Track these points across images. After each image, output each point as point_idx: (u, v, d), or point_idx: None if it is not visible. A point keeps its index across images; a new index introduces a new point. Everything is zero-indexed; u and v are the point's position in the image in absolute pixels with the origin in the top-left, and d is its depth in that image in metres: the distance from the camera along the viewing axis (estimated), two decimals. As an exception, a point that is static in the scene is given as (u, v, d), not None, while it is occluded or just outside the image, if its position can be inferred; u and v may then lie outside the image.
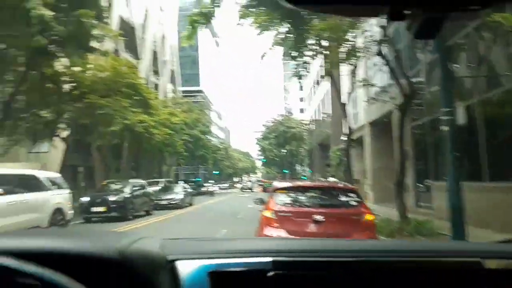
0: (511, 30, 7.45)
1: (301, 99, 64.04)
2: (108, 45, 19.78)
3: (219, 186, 52.00)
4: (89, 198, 15.07)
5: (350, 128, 16.68)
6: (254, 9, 10.56)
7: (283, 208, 5.89)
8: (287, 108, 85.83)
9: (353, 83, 16.30)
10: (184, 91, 53.88)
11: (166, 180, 28.77)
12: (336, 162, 26.16)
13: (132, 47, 34.12)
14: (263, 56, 11.89)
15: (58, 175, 11.70)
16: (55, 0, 11.68)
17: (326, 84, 31.18)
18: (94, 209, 14.62)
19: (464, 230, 6.75)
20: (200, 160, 47.67)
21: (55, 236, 1.08)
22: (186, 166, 49.88)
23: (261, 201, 7.44)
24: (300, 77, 12.83)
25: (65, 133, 19.09)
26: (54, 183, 10.59)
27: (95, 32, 13.65)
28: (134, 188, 16.38)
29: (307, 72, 12.80)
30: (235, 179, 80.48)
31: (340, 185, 7.79)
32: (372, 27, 12.04)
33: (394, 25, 11.28)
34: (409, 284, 1.08)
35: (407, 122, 11.61)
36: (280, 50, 12.92)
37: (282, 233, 5.51)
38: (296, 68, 12.38)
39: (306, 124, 51.86)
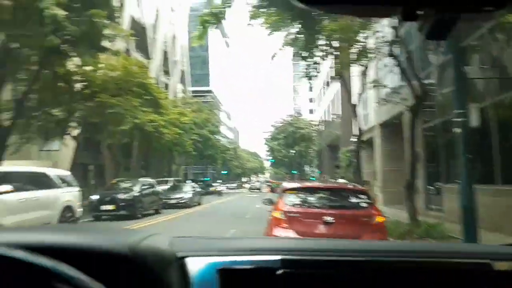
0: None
1: (311, 100, 63.85)
2: (119, 44, 19.95)
3: (227, 186, 52.07)
4: (99, 196, 15.19)
5: (360, 129, 16.57)
6: (265, 10, 10.54)
7: (293, 209, 5.86)
8: (296, 108, 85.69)
9: (364, 84, 16.20)
10: (194, 91, 54.09)
11: (175, 179, 28.90)
12: (345, 163, 26.03)
13: (143, 47, 34.33)
14: (273, 56, 11.87)
15: (68, 173, 11.80)
16: (68, 0, 11.79)
17: (336, 85, 31.07)
18: (104, 207, 14.72)
19: (476, 234, 6.67)
20: (209, 159, 47.78)
21: (66, 231, 1.09)
22: (195, 166, 50.05)
23: (270, 202, 7.42)
24: (310, 78, 12.77)
25: (76, 132, 19.27)
26: (64, 180, 10.66)
27: (106, 31, 13.75)
28: (143, 187, 16.48)
29: (318, 72, 12.74)
30: (244, 179, 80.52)
31: (351, 186, 7.72)
32: (384, 28, 11.96)
33: (405, 26, 11.18)
34: (417, 285, 1.08)
35: (418, 124, 11.50)
36: (290, 50, 12.91)
37: (291, 234, 5.48)
38: (306, 69, 12.33)
39: (315, 125, 51.69)
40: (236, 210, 20.08)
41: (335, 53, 12.03)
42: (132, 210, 14.82)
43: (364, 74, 15.66)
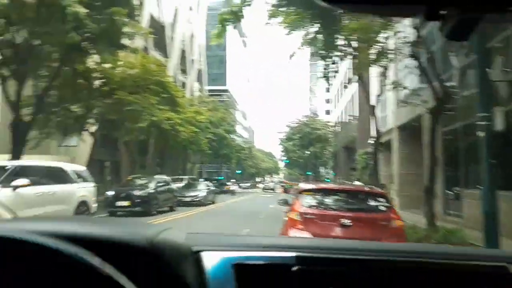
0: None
1: (327, 101, 63.42)
2: (138, 42, 20.13)
3: (240, 185, 52.13)
4: (114, 192, 15.34)
5: (378, 131, 16.33)
6: (284, 9, 10.46)
7: (309, 210, 5.78)
8: (312, 109, 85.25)
9: (383, 85, 15.94)
10: (210, 90, 54.37)
11: (189, 177, 29.03)
12: (362, 165, 25.72)
13: (161, 46, 34.63)
14: (291, 56, 11.79)
15: (83, 168, 11.92)
16: (89, -2, 11.96)
17: (353, 86, 30.76)
18: (119, 203, 14.86)
19: (498, 241, 6.48)
20: (223, 159, 47.92)
21: (85, 222, 1.10)
22: (209, 164, 50.25)
23: (286, 202, 7.35)
24: (328, 78, 12.64)
25: (93, 128, 19.53)
26: (79, 176, 10.74)
27: (126, 29, 13.89)
28: (158, 184, 16.59)
29: (336, 73, 12.60)
30: (257, 179, 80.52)
31: (368, 188, 7.59)
32: (405, 28, 11.75)
33: (428, 26, 10.96)
34: (431, 286, 1.07)
35: (438, 127, 11.26)
36: (307, 50, 12.81)
37: (307, 236, 5.41)
38: (324, 69, 12.21)
39: (331, 126, 51.30)
40: (250, 209, 20.07)
41: (354, 53, 11.87)
42: (147, 206, 14.93)
43: (383, 75, 15.39)
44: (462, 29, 0.70)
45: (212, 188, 24.97)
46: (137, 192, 15.16)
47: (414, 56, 10.80)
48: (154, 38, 25.29)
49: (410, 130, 17.89)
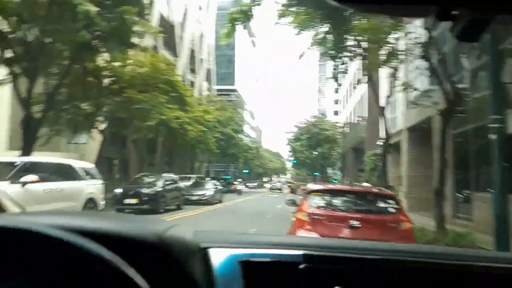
0: None
1: (336, 102, 63.16)
2: (147, 41, 20.22)
3: (247, 185, 52.11)
4: (122, 190, 15.42)
5: (388, 133, 16.20)
6: (294, 8, 10.42)
7: (317, 211, 5.75)
8: (320, 109, 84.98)
9: (393, 86, 15.81)
10: (218, 90, 54.46)
11: (197, 176, 29.10)
12: (370, 167, 25.57)
13: (171, 45, 34.76)
14: (301, 56, 11.73)
15: (92, 165, 11.99)
16: (100, -3, 12.03)
17: (363, 87, 30.59)
18: (127, 200, 14.92)
19: (509, 244, 6.38)
20: (231, 158, 47.96)
21: (95, 217, 1.11)
22: (217, 164, 50.31)
23: (293, 203, 7.33)
24: (337, 79, 12.57)
25: (102, 126, 19.66)
26: (88, 173, 10.81)
27: (136, 28, 13.95)
28: (166, 182, 16.64)
29: (346, 73, 12.52)
30: (264, 179, 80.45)
31: (378, 190, 7.52)
32: (416, 29, 11.64)
33: (439, 27, 10.84)
34: (438, 287, 1.07)
35: (449, 129, 11.14)
36: (316, 51, 12.73)
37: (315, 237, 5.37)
38: (334, 69, 12.14)
39: (340, 127, 51.06)
40: (257, 209, 20.06)
41: (364, 54, 11.79)
42: (154, 204, 14.99)
43: (393, 76, 15.26)
44: (473, 30, 0.69)
45: (220, 187, 25.00)
46: (145, 190, 15.22)
47: (425, 57, 10.69)
48: (163, 37, 25.40)
49: (419, 132, 17.74)
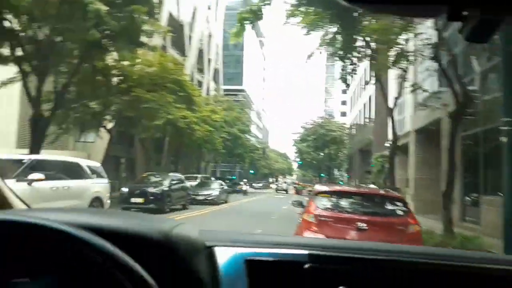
0: None
1: (343, 102, 62.93)
2: (156, 40, 20.30)
3: (253, 185, 52.07)
4: (128, 189, 15.47)
5: (396, 135, 16.09)
6: (303, 9, 10.37)
7: (324, 213, 5.71)
8: (327, 110, 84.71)
9: (402, 88, 15.68)
10: (226, 90, 54.49)
11: (203, 176, 29.14)
12: (377, 169, 25.43)
13: (179, 44, 34.84)
14: (310, 56, 11.68)
15: (98, 164, 12.01)
16: (110, -4, 12.08)
17: (370, 88, 30.43)
18: (133, 199, 14.94)
19: (519, 250, 6.29)
20: (237, 158, 47.95)
21: (101, 214, 1.11)
22: (222, 164, 50.32)
23: (300, 204, 7.29)
24: (345, 79, 12.50)
25: (110, 125, 19.76)
26: (94, 171, 10.82)
27: (145, 27, 13.99)
28: (172, 182, 16.65)
29: (355, 73, 12.44)
30: (270, 180, 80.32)
31: (385, 192, 7.45)
32: (427, 30, 11.53)
33: (450, 28, 10.74)
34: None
35: (458, 132, 11.03)
36: (324, 52, 12.67)
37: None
38: (342, 70, 12.08)
39: (347, 128, 50.84)
40: (262, 210, 20.04)
41: (373, 54, 11.71)
42: (160, 204, 15.01)
43: (403, 77, 15.14)
44: (483, 31, 0.68)
45: (225, 187, 25.01)
46: (151, 189, 15.25)
47: (435, 58, 10.59)
48: (172, 36, 25.43)
49: (427, 134, 17.61)
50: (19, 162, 8.67)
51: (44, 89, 13.74)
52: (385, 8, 0.72)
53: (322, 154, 54.35)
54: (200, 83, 40.13)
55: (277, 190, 54.30)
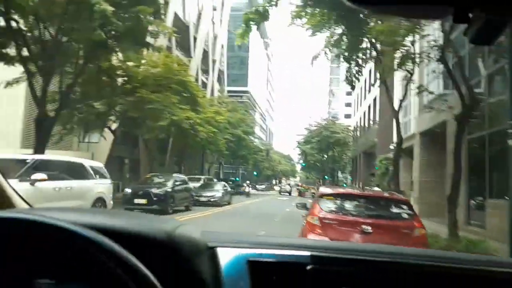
0: None
1: (348, 104, 62.77)
2: (161, 41, 20.34)
3: (256, 187, 52.00)
4: (131, 190, 15.47)
5: (401, 137, 16.00)
6: (309, 10, 10.33)
7: (329, 215, 5.67)
8: (331, 112, 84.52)
9: (407, 90, 15.60)
10: (230, 91, 54.55)
11: (206, 177, 29.14)
12: (381, 171, 25.31)
13: (184, 45, 34.90)
14: (316, 57, 11.63)
15: (101, 164, 12.01)
16: (116, -4, 12.10)
17: (375, 90, 30.34)
18: (136, 200, 14.93)
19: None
20: (241, 160, 47.93)
21: (104, 214, 1.11)
22: (225, 165, 50.31)
23: (304, 206, 7.27)
24: (351, 81, 12.44)
25: (114, 125, 19.79)
26: (97, 172, 10.82)
27: (151, 28, 14.00)
28: (176, 183, 16.65)
29: (360, 75, 12.38)
30: (274, 182, 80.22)
31: (390, 195, 7.40)
32: (434, 31, 11.46)
33: (456, 30, 10.68)
34: None
35: (464, 134, 10.95)
36: (328, 53, 12.61)
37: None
38: (347, 72, 12.03)
39: (351, 130, 50.67)
40: (265, 212, 19.99)
41: (378, 56, 11.65)
42: (163, 205, 15.00)
43: (408, 79, 15.06)
44: (487, 33, 0.68)
45: (229, 189, 24.98)
46: (154, 190, 15.24)
47: (441, 60, 10.51)
48: (177, 37, 25.47)
49: (432, 137, 17.51)
50: (23, 162, 8.68)
51: (49, 89, 13.78)
52: (389, 9, 0.72)
53: (326, 156, 54.20)
54: (204, 84, 40.18)
55: (280, 192, 54.21)
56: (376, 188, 20.15)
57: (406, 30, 10.06)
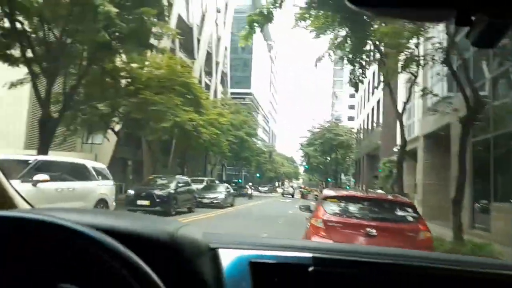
0: None
1: (351, 107, 62.67)
2: (165, 43, 20.37)
3: (258, 189, 51.93)
4: (134, 191, 15.47)
5: (404, 140, 15.93)
6: (314, 12, 10.30)
7: (333, 218, 5.63)
8: (334, 114, 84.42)
9: (411, 92, 15.56)
10: (233, 93, 54.58)
11: (209, 179, 29.13)
12: (385, 174, 25.22)
13: (187, 47, 34.96)
14: (319, 59, 11.60)
15: (103, 165, 12.00)
16: (120, -2, 12.14)
17: (378, 93, 30.27)
18: (139, 202, 14.92)
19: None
20: (243, 161, 47.90)
21: (107, 215, 1.12)
22: (229, 167, 50.30)
23: (307, 208, 7.22)
24: (356, 84, 12.40)
25: (117, 127, 19.81)
26: (99, 173, 10.81)
27: (155, 30, 14.01)
28: (179, 185, 16.65)
29: (364, 77, 12.34)
30: (276, 184, 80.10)
31: (395, 198, 7.34)
32: (438, 34, 11.41)
33: (461, 33, 10.64)
34: None
35: (468, 137, 10.88)
36: (332, 55, 12.58)
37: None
38: (351, 73, 11.99)
39: (355, 133, 50.57)
40: (268, 214, 19.94)
41: (382, 58, 11.61)
42: (166, 206, 14.99)
43: (412, 82, 15.01)
44: (490, 35, 0.68)
45: (231, 191, 24.95)
46: (157, 192, 15.24)
47: (446, 62, 10.46)
48: (181, 39, 25.49)
49: (436, 139, 17.44)
50: (25, 162, 8.67)
51: (53, 90, 13.82)
52: (392, 12, 0.72)
53: (329, 158, 54.09)
54: (208, 86, 40.23)
55: (283, 194, 54.12)
56: (379, 191, 20.08)
57: (410, 33, 10.02)
